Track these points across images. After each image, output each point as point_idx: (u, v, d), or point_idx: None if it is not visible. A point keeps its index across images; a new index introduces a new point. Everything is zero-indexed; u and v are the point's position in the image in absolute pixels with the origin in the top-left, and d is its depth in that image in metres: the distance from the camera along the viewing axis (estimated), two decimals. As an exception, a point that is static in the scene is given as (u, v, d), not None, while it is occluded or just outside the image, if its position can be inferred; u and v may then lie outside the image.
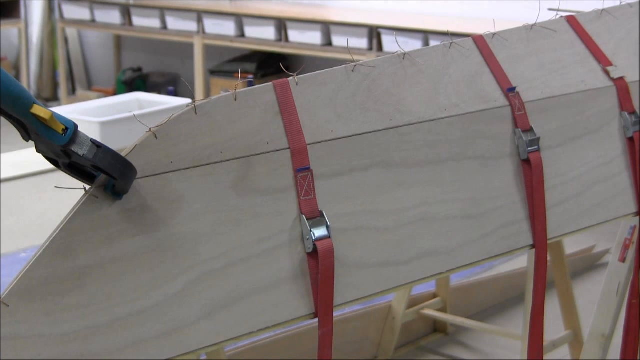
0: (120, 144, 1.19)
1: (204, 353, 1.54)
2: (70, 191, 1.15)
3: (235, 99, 1.27)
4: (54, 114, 1.04)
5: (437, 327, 3.03)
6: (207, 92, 5.79)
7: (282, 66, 1.49)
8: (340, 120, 1.38)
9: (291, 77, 1.34)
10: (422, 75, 1.48)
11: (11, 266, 2.89)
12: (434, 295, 2.97)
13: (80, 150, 1.06)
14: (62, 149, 1.05)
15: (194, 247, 1.22)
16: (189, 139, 1.21)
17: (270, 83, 1.32)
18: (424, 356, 2.88)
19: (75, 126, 1.06)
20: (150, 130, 1.18)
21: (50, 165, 1.15)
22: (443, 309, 2.96)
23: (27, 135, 1.07)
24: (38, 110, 1.02)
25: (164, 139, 1.19)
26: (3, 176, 3.21)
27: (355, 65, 1.40)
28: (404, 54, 1.46)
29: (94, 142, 1.07)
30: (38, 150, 1.10)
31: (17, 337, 1.10)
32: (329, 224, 1.32)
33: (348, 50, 1.44)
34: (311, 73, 1.37)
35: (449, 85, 1.52)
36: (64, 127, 1.05)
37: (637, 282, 1.97)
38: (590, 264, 3.45)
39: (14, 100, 1.01)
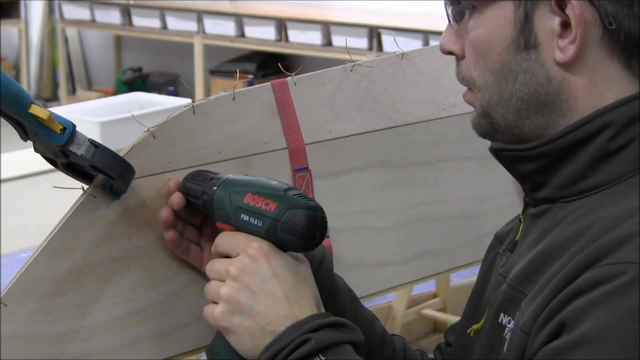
0: (120, 144, 1.19)
1: (203, 353, 1.54)
2: (70, 191, 1.15)
3: (234, 99, 1.27)
4: (52, 114, 1.04)
5: (437, 327, 3.03)
6: (207, 92, 5.80)
7: (280, 66, 1.49)
8: (338, 120, 1.38)
9: (289, 77, 1.34)
10: (421, 75, 1.48)
11: (11, 266, 2.88)
12: (434, 295, 2.97)
13: (78, 150, 1.05)
14: (60, 148, 1.05)
15: (192, 247, 1.22)
16: (187, 139, 1.21)
17: (268, 83, 1.32)
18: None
19: (74, 126, 1.06)
20: (148, 130, 1.18)
21: (50, 165, 1.15)
22: (443, 309, 2.96)
23: (25, 135, 1.07)
24: (36, 110, 1.02)
25: (162, 139, 1.18)
26: (3, 176, 3.20)
27: (353, 65, 1.40)
28: (403, 54, 1.46)
29: (92, 142, 1.06)
30: (36, 150, 1.10)
31: (16, 336, 1.10)
32: (327, 223, 1.32)
33: (347, 50, 1.44)
34: (309, 73, 1.37)
35: (447, 85, 1.52)
36: (62, 127, 1.05)
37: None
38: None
39: (12, 100, 1.01)
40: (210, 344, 1.08)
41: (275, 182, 1.06)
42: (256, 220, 1.04)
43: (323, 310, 1.04)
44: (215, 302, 1.05)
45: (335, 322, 1.00)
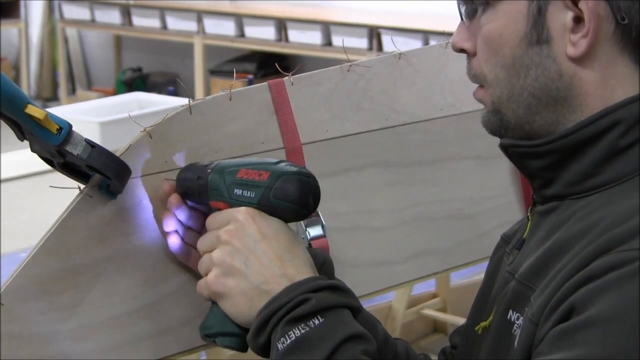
0: (120, 144, 1.19)
1: (203, 352, 1.54)
2: (71, 191, 1.15)
3: (230, 99, 1.27)
4: (48, 114, 1.04)
5: (437, 327, 3.03)
6: (207, 92, 5.80)
7: (277, 66, 1.49)
8: (335, 120, 1.38)
9: (286, 77, 1.34)
10: (418, 75, 1.48)
11: (11, 266, 2.87)
12: (434, 295, 2.98)
13: (75, 150, 1.06)
14: (57, 148, 1.05)
15: (189, 247, 1.22)
16: (183, 139, 1.21)
17: (265, 83, 1.32)
18: (423, 356, 2.88)
19: (70, 126, 1.06)
20: (144, 129, 1.18)
21: (49, 165, 1.15)
22: (443, 309, 2.96)
23: (21, 135, 1.07)
24: (32, 110, 1.02)
25: (158, 139, 1.19)
26: (3, 176, 3.20)
27: (350, 65, 1.40)
28: (400, 54, 1.46)
29: (88, 141, 1.07)
30: (33, 150, 1.10)
31: (13, 336, 1.10)
32: (324, 223, 1.32)
33: (344, 50, 1.44)
34: (306, 73, 1.37)
35: (445, 84, 1.52)
36: (58, 127, 1.05)
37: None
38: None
39: (8, 100, 1.01)
40: (203, 321, 1.08)
41: (268, 158, 1.07)
42: (249, 192, 1.04)
43: (318, 275, 1.03)
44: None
45: (334, 285, 1.00)
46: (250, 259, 1.01)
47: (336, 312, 0.98)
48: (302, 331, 0.95)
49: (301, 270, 1.01)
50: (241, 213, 1.03)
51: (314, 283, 0.99)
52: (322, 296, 0.98)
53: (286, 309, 0.97)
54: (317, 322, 0.96)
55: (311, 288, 0.98)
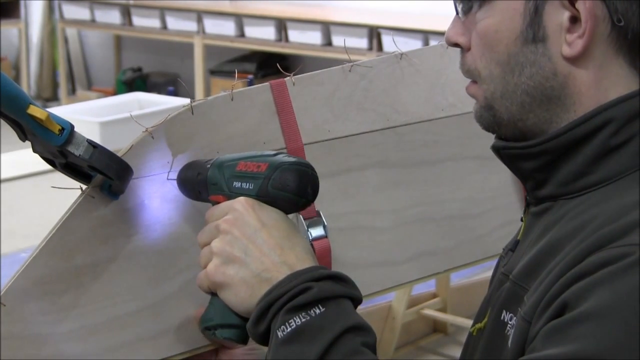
0: (120, 144, 1.19)
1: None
2: (70, 191, 1.15)
3: (232, 99, 1.27)
4: (50, 115, 1.04)
5: (437, 327, 3.03)
6: (207, 92, 5.80)
7: (278, 66, 1.49)
8: (337, 120, 1.38)
9: (288, 77, 1.34)
10: (419, 75, 1.48)
11: (11, 266, 2.88)
12: (434, 295, 2.98)
13: (77, 150, 1.06)
14: (58, 149, 1.05)
15: (191, 247, 1.22)
16: (185, 139, 1.21)
17: (266, 83, 1.32)
18: (424, 356, 2.89)
19: (72, 126, 1.06)
20: (146, 130, 1.18)
21: (49, 166, 1.15)
22: (443, 309, 2.97)
23: (23, 135, 1.07)
24: (34, 110, 1.02)
25: (160, 139, 1.19)
26: (3, 176, 3.20)
27: (352, 66, 1.40)
28: (401, 54, 1.46)
29: (90, 142, 1.07)
30: (34, 151, 1.10)
31: (14, 336, 1.10)
32: (325, 223, 1.32)
33: (345, 50, 1.45)
34: (308, 73, 1.37)
35: (446, 85, 1.52)
36: (60, 128, 1.05)
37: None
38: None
39: (10, 101, 1.01)
40: (202, 314, 1.08)
41: (266, 151, 1.08)
42: (247, 183, 1.04)
43: (318, 264, 1.03)
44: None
45: (336, 275, 0.99)
46: (250, 247, 1.01)
47: (338, 302, 0.97)
48: (303, 320, 0.95)
49: (302, 259, 1.01)
50: (239, 203, 1.03)
51: (315, 272, 0.98)
52: (324, 285, 0.97)
53: (287, 297, 0.96)
54: (318, 311, 0.95)
55: (313, 277, 0.98)
